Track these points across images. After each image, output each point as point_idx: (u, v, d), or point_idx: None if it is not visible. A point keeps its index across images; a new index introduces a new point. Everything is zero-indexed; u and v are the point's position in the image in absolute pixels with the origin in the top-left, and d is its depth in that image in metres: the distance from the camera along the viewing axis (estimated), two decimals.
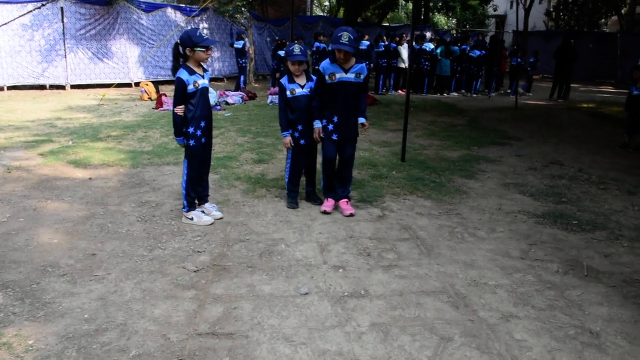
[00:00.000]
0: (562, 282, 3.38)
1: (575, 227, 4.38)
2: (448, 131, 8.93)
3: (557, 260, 3.72)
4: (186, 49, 3.97)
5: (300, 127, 4.52)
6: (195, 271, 3.38)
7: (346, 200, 4.64)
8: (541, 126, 9.82)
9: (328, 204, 4.61)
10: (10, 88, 14.30)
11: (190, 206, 4.27)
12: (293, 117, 4.50)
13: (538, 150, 7.51)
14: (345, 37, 4.16)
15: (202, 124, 4.12)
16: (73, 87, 14.99)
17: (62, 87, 14.92)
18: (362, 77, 4.41)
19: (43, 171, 5.76)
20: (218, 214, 4.40)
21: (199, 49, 3.93)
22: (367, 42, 14.67)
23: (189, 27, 17.01)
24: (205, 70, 4.17)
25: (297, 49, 4.35)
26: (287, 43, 13.16)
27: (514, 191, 5.38)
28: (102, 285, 3.16)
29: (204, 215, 4.30)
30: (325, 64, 4.38)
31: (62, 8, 14.63)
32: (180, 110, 4.02)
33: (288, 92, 4.44)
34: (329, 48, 4.34)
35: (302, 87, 4.47)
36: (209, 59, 4.06)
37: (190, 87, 3.98)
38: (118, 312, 2.85)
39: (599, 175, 6.11)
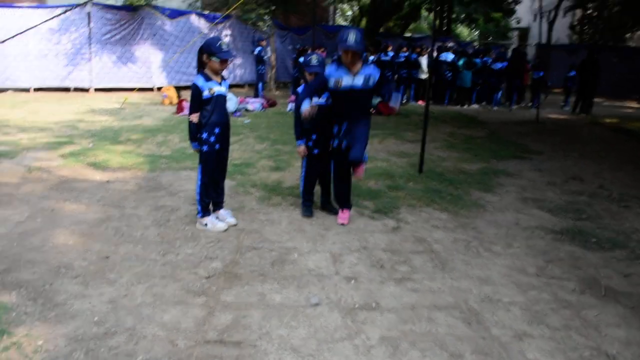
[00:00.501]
0: (578, 301, 3.30)
1: (594, 245, 4.29)
2: (467, 143, 8.85)
3: (574, 278, 3.64)
4: (203, 56, 4.01)
5: (314, 137, 4.52)
6: (206, 277, 3.38)
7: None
8: (562, 140, 9.68)
9: (344, 216, 4.57)
10: (36, 90, 14.59)
11: (205, 212, 4.28)
12: (307, 126, 4.49)
13: (558, 165, 7.40)
14: (351, 37, 3.94)
15: (217, 130, 4.14)
16: (97, 90, 15.22)
17: (86, 90, 15.15)
18: (371, 82, 4.19)
19: (62, 172, 5.84)
20: (232, 221, 4.41)
21: (214, 58, 3.95)
22: (392, 53, 14.66)
23: (213, 34, 17.21)
24: (223, 79, 4.19)
25: (314, 59, 4.35)
26: (309, 51, 13.21)
27: (532, 206, 5.29)
28: (114, 288, 3.18)
29: (218, 222, 4.30)
30: (330, 69, 4.19)
31: (89, 13, 14.90)
32: (195, 117, 4.06)
33: None
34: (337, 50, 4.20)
35: (319, 96, 4.46)
36: (230, 66, 4.06)
37: (206, 94, 4.01)
38: (128, 316, 2.86)
39: (621, 192, 5.98)
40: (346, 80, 4.14)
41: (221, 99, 4.14)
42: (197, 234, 4.15)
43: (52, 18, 11.56)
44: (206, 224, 4.25)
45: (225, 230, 4.24)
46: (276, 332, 2.76)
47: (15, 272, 3.33)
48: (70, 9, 13.33)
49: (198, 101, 4.04)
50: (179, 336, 2.68)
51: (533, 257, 3.98)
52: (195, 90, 4.01)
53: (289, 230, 4.35)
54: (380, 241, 4.18)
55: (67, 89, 15.02)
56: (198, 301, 3.06)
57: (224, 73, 4.25)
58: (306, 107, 4.17)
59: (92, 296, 3.06)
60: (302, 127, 4.52)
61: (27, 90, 14.47)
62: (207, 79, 4.03)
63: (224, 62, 4.00)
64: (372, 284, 3.40)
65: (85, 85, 15.11)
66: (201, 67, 4.10)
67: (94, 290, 3.13)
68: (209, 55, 3.96)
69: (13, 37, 5.37)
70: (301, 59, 14.20)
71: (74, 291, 3.11)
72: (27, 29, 5.59)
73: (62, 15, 14.55)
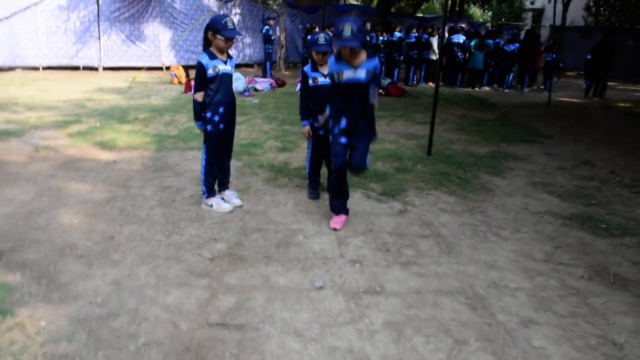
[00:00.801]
0: (586, 288, 3.25)
1: (603, 231, 4.22)
2: (477, 126, 8.74)
3: (583, 265, 3.59)
4: (208, 33, 3.94)
5: (320, 117, 4.45)
6: (210, 259, 3.36)
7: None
8: (574, 124, 9.54)
9: (339, 220, 4.07)
10: (45, 68, 14.60)
11: (210, 192, 4.25)
12: (313, 107, 4.42)
13: (569, 149, 7.29)
14: (347, 30, 3.48)
15: (221, 109, 4.09)
16: (105, 69, 15.21)
17: (95, 69, 15.14)
18: (374, 74, 3.83)
19: (69, 152, 5.83)
20: (238, 202, 4.38)
21: (219, 36, 3.89)
22: (399, 34, 14.47)
23: (222, 13, 17.06)
24: (229, 57, 4.13)
25: (322, 38, 4.24)
26: (316, 29, 13.05)
27: (541, 191, 5.22)
28: (118, 269, 3.17)
29: (224, 203, 4.28)
30: (329, 63, 3.88)
31: None
32: (199, 96, 4.01)
33: (310, 81, 4.37)
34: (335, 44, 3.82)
35: (325, 76, 4.38)
36: (239, 45, 3.98)
37: (210, 72, 3.95)
38: (131, 297, 2.85)
39: (633, 178, 5.88)
40: (347, 74, 3.74)
41: (226, 77, 4.08)
42: (202, 215, 4.13)
43: None
44: (211, 205, 4.23)
45: (231, 212, 4.22)
46: (279, 315, 2.74)
47: (20, 251, 3.34)
48: None
49: (202, 79, 3.99)
50: (181, 318, 2.67)
51: (541, 243, 3.93)
52: (200, 68, 3.96)
53: (295, 211, 4.31)
54: (386, 224, 4.13)
55: (76, 68, 15.02)
56: (201, 283, 3.05)
57: (232, 52, 4.17)
58: (326, 113, 4.23)
59: (95, 277, 3.06)
60: (307, 108, 4.45)
61: (36, 68, 14.49)
62: (212, 57, 3.97)
63: (229, 40, 3.92)
64: (377, 268, 3.36)
65: (94, 63, 15.10)
66: (207, 45, 4.04)
67: (97, 271, 3.13)
68: (214, 33, 3.89)
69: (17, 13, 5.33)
70: (309, 38, 14.10)
71: (78, 271, 3.11)
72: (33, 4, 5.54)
73: None
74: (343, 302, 2.92)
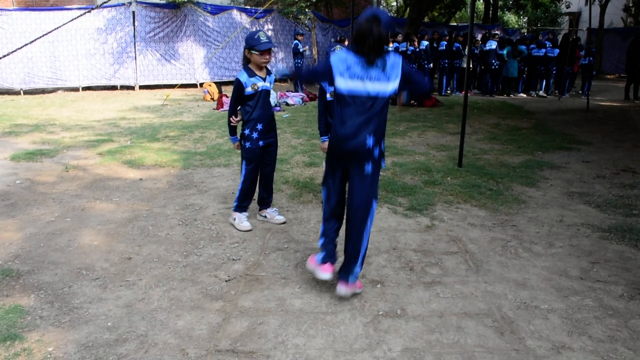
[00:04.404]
0: (626, 308, 3.01)
1: None
2: (511, 134, 8.45)
3: (623, 282, 3.33)
4: (245, 50, 3.93)
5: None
6: (226, 281, 3.27)
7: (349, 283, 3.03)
8: (613, 129, 9.11)
9: (327, 267, 3.09)
10: (85, 88, 15.01)
11: (239, 207, 4.19)
12: (332, 121, 4.31)
13: (608, 156, 6.94)
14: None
15: (259, 126, 4.04)
16: (141, 87, 15.52)
17: (132, 88, 15.47)
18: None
19: (98, 171, 5.89)
20: (281, 218, 4.34)
21: (254, 52, 3.86)
22: (426, 42, 14.27)
23: (254, 29, 17.23)
24: (269, 73, 4.09)
25: (339, 49, 4.14)
26: (345, 42, 12.97)
27: (578, 201, 4.95)
28: (132, 291, 3.12)
29: (245, 220, 4.20)
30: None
31: (134, 12, 15.19)
32: (235, 120, 4.03)
33: (328, 95, 4.27)
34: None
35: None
36: (272, 61, 3.96)
37: (249, 90, 3.94)
38: (141, 321, 2.78)
39: None
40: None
41: (265, 94, 4.06)
42: (222, 234, 4.06)
43: (68, 22, 11.78)
44: (234, 219, 4.18)
45: (250, 230, 4.14)
46: (292, 342, 2.62)
47: (37, 273, 3.33)
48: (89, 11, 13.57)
49: (240, 97, 3.97)
50: (190, 344, 2.57)
51: (577, 258, 3.69)
52: (238, 86, 3.95)
53: (317, 229, 4.19)
54: (411, 241, 3.97)
55: (114, 87, 15.38)
56: (215, 306, 2.96)
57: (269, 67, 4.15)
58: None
59: (108, 300, 3.01)
60: (327, 122, 4.35)
61: (76, 89, 14.91)
62: (251, 74, 3.95)
63: (264, 53, 3.89)
64: (399, 289, 3.21)
65: (130, 83, 15.43)
66: (246, 62, 4.02)
67: (111, 294, 3.08)
68: (250, 49, 3.89)
69: (32, 41, 5.42)
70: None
71: (92, 294, 3.07)
72: (47, 33, 5.63)
73: (109, 15, 14.92)
74: (361, 326, 2.78)
